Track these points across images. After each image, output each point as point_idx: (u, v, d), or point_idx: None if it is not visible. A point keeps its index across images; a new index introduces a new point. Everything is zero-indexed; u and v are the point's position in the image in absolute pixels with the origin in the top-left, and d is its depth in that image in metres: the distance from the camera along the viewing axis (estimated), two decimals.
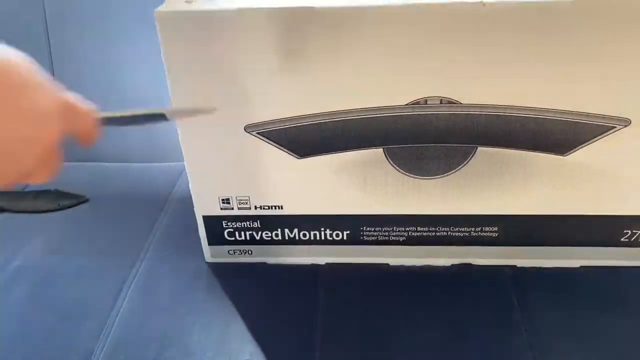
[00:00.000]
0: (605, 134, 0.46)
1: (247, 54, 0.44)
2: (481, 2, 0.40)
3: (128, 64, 0.78)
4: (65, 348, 0.50)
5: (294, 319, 0.53)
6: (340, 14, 0.42)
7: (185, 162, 0.51)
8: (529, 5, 0.41)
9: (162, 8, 0.43)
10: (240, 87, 0.46)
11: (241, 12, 0.42)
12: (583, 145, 0.47)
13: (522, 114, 0.45)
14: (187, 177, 0.53)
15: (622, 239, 0.55)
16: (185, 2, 0.43)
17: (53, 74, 0.79)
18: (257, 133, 0.47)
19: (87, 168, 0.80)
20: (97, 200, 0.73)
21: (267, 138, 0.48)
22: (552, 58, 0.43)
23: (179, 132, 0.49)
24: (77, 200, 0.70)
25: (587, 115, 0.45)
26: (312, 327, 0.51)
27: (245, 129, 0.47)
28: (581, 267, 0.57)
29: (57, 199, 0.70)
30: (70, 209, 0.71)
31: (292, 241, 0.57)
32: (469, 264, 0.58)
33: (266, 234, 0.56)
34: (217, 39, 0.43)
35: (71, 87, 0.41)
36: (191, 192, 0.53)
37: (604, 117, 0.45)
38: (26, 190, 0.73)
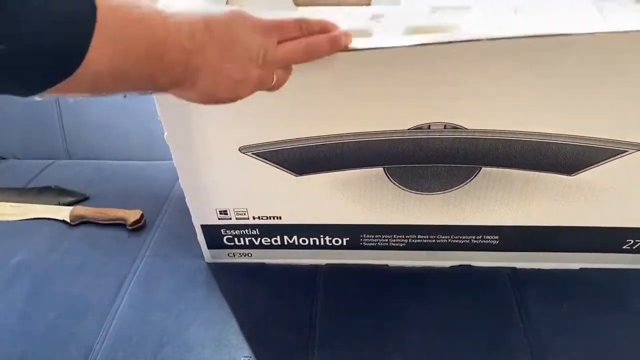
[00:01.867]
0: (615, 157, 0.44)
1: None
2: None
3: None
4: (66, 343, 0.51)
5: (293, 317, 0.53)
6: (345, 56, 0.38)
7: (179, 179, 0.50)
8: (535, 41, 0.38)
9: None
10: (234, 109, 0.43)
11: None
12: (591, 167, 0.46)
13: (528, 138, 0.43)
14: None
15: (623, 247, 0.54)
16: None
17: None
18: (253, 154, 0.45)
19: (88, 165, 0.79)
20: (97, 197, 0.73)
21: (263, 158, 0.46)
22: (562, 86, 0.40)
23: (171, 152, 0.48)
24: (77, 197, 0.71)
25: (599, 140, 0.43)
26: (311, 326, 0.52)
27: (239, 150, 0.46)
28: (580, 269, 0.57)
29: (57, 196, 0.70)
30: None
31: (291, 246, 0.56)
32: (469, 265, 0.57)
33: (265, 239, 0.56)
34: None
35: None
36: (187, 204, 0.53)
37: (616, 141, 0.43)
38: (28, 187, 0.74)
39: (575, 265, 0.57)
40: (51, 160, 0.81)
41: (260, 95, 0.40)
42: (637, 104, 0.41)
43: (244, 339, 0.51)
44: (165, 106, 0.44)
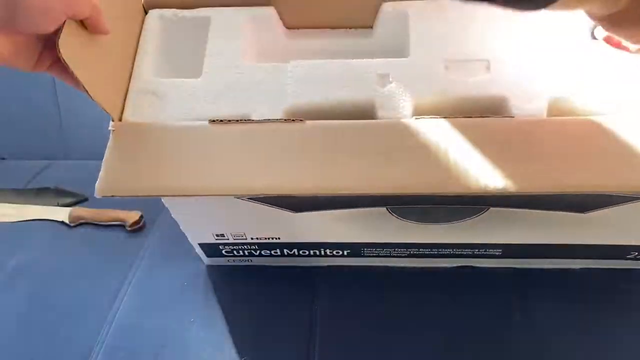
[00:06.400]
0: (634, 202, 0.41)
1: None
2: None
3: None
4: (65, 346, 0.52)
5: (293, 319, 0.53)
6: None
7: (172, 214, 0.48)
8: None
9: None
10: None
11: None
12: (607, 207, 0.43)
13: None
14: None
15: (627, 256, 0.54)
16: None
17: None
18: (249, 198, 0.43)
19: (86, 166, 0.74)
20: (96, 198, 0.71)
21: (260, 202, 0.44)
22: None
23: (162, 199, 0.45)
24: (76, 198, 0.69)
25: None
26: (311, 326, 0.52)
27: (235, 196, 0.43)
28: (582, 268, 0.56)
29: (56, 197, 0.69)
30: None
31: (292, 255, 0.56)
32: (471, 266, 0.57)
33: (265, 251, 0.55)
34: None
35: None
36: (181, 229, 0.51)
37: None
38: (27, 187, 0.72)
39: (577, 265, 0.56)
40: (50, 161, 0.78)
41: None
42: None
43: (244, 339, 0.51)
44: None
